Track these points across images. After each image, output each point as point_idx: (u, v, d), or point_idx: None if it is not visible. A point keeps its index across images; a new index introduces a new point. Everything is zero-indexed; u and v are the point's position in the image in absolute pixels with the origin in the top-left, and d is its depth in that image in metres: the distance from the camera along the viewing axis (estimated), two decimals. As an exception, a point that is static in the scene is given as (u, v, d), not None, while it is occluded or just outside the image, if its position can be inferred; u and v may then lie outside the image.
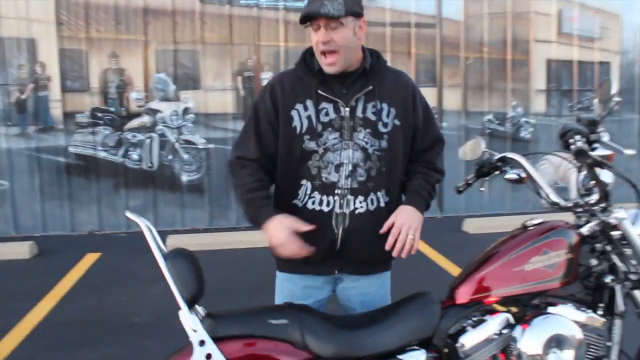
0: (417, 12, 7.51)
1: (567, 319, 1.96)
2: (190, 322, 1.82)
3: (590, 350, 2.02)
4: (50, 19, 6.75)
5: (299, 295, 2.14)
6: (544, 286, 2.02)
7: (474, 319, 2.01)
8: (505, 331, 1.98)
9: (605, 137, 2.13)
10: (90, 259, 5.73)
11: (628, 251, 2.15)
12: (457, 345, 1.95)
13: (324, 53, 2.00)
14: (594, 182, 2.12)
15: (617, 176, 2.08)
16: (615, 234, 2.13)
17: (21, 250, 5.91)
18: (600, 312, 2.10)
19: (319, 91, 2.06)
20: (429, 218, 7.75)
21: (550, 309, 2.02)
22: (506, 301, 2.05)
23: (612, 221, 2.11)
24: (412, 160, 2.20)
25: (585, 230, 2.15)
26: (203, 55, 7.11)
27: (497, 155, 2.41)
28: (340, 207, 2.05)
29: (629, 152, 2.11)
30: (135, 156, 7.02)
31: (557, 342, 1.91)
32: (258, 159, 2.10)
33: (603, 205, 2.14)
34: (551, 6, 7.89)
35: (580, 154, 2.01)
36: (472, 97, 7.77)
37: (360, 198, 2.06)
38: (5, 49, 6.72)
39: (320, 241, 2.05)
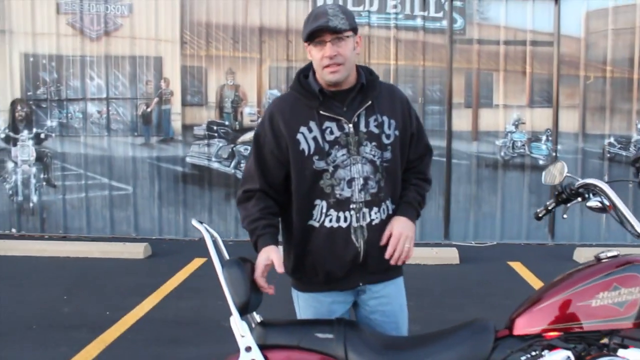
0: (533, 30, 7.21)
1: (633, 363, 1.80)
2: (240, 328, 1.90)
3: (663, 400, 1.84)
4: (176, 38, 7.32)
5: (324, 312, 2.17)
6: (611, 325, 1.87)
7: (532, 353, 1.91)
8: (565, 369, 1.86)
9: None
10: (197, 263, 6.09)
11: None
12: (510, 378, 1.86)
13: (327, 66, 2.04)
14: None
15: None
16: None
17: (136, 251, 6.42)
18: (680, 359, 1.90)
19: (321, 111, 2.11)
20: (538, 245, 7.37)
21: (620, 352, 1.87)
22: (570, 337, 1.93)
23: (701, 259, 1.92)
24: (405, 170, 2.26)
25: (669, 267, 1.97)
26: (313, 73, 7.31)
27: (580, 182, 2.28)
28: (357, 220, 2.11)
29: None
30: (245, 168, 7.35)
31: (618, 386, 1.76)
32: (261, 188, 2.14)
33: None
34: (688, 20, 7.23)
35: None
36: (591, 119, 7.30)
37: (375, 209, 2.13)
38: (137, 66, 7.37)
39: (342, 257, 2.11)
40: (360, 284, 2.18)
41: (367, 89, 2.14)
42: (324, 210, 2.11)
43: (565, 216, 2.45)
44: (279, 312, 2.15)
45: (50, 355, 3.87)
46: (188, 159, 7.37)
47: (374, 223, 2.11)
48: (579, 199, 2.30)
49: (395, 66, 7.18)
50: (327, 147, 2.08)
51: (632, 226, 2.11)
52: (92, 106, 7.41)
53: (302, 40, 2.13)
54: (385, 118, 2.14)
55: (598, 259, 2.03)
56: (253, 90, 7.34)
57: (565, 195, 2.31)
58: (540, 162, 7.19)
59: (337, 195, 2.09)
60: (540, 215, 2.43)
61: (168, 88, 7.37)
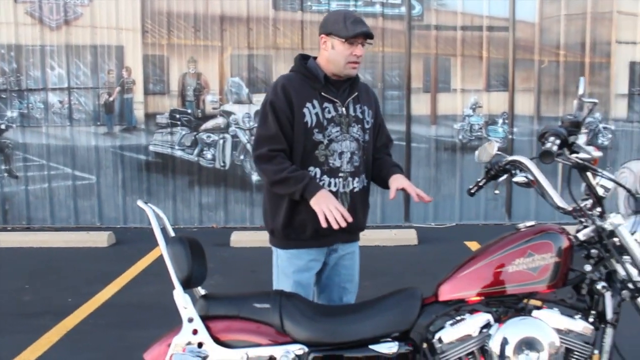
0: (489, 15, 7.39)
1: (544, 323, 1.96)
2: (183, 300, 2.02)
3: (574, 356, 2.01)
4: (137, 27, 7.31)
5: (304, 268, 2.50)
6: (526, 289, 2.03)
7: (457, 317, 2.06)
8: (485, 331, 2.02)
9: (581, 140, 2.10)
10: (160, 250, 6.14)
11: (627, 258, 2.10)
12: (434, 340, 2.01)
13: (353, 62, 2.46)
14: (586, 186, 2.10)
15: (600, 178, 2.05)
16: (614, 240, 2.09)
17: (100, 239, 6.46)
18: (591, 319, 2.07)
19: (322, 93, 2.50)
20: (495, 225, 7.57)
21: (534, 313, 2.03)
22: (490, 302, 2.08)
23: (608, 227, 2.08)
24: (375, 155, 2.65)
25: (581, 235, 2.14)
26: (275, 60, 7.39)
27: (507, 159, 2.42)
28: (343, 187, 2.51)
29: (596, 154, 2.07)
30: (209, 156, 7.42)
31: (529, 344, 1.92)
32: (284, 149, 2.44)
33: (599, 210, 2.12)
34: (637, 5, 7.47)
35: (545, 155, 2.01)
36: (545, 102, 7.52)
37: (357, 179, 2.54)
38: (98, 55, 7.35)
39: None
40: (334, 244, 2.54)
41: (354, 84, 2.58)
42: (318, 176, 2.46)
43: (497, 191, 2.60)
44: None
45: (10, 341, 3.92)
46: (151, 148, 7.40)
47: (355, 190, 2.53)
48: (507, 175, 2.45)
49: (355, 52, 7.29)
50: (325, 123, 2.47)
51: (552, 199, 2.25)
52: (54, 96, 7.37)
53: (320, 32, 2.51)
54: (365, 107, 2.59)
55: (517, 229, 2.18)
56: (215, 78, 7.38)
57: (493, 171, 2.44)
58: (498, 144, 7.39)
59: (330, 164, 2.48)
60: (472, 191, 2.55)
61: (130, 77, 7.37)
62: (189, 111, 7.40)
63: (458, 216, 7.48)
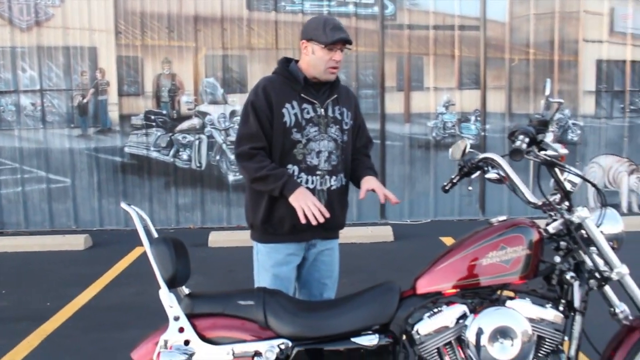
0: (461, 15, 7.53)
1: (517, 312, 2.05)
2: (168, 299, 2.06)
3: (545, 344, 2.10)
4: (110, 28, 7.27)
5: (283, 261, 2.59)
6: (500, 280, 2.12)
7: (434, 309, 2.14)
8: (461, 321, 2.10)
9: (549, 138, 2.20)
10: (138, 251, 6.14)
11: (593, 249, 2.20)
12: (413, 332, 2.09)
13: (333, 67, 2.57)
14: (555, 181, 2.19)
15: (567, 174, 2.15)
16: (582, 232, 2.19)
17: (77, 242, 6.42)
18: (561, 308, 2.17)
19: (302, 94, 2.60)
20: (470, 220, 7.70)
21: (507, 303, 2.12)
22: (466, 294, 2.17)
23: (575, 220, 2.18)
24: (354, 155, 2.75)
25: (550, 228, 2.23)
26: (250, 60, 7.42)
27: (479, 156, 2.51)
28: (321, 184, 2.60)
29: (563, 151, 2.17)
30: (185, 156, 7.42)
31: (503, 333, 2.01)
32: (264, 147, 2.55)
33: (567, 204, 2.22)
34: (603, 5, 7.69)
35: (514, 153, 2.10)
36: (516, 99, 7.70)
37: (334, 178, 2.63)
38: (71, 56, 7.29)
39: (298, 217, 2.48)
40: (312, 240, 2.63)
41: (333, 86, 2.68)
42: (296, 173, 2.56)
43: (470, 188, 2.68)
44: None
45: (-10, 346, 3.90)
46: (126, 149, 7.37)
47: (332, 188, 2.62)
48: (480, 172, 2.54)
49: (329, 52, 7.36)
50: (304, 123, 2.57)
51: (523, 194, 2.35)
52: (26, 98, 7.29)
53: (301, 37, 2.61)
54: (344, 109, 2.68)
55: (490, 224, 2.27)
56: (189, 78, 7.39)
57: (466, 168, 2.52)
58: (470, 142, 7.54)
59: (308, 162, 2.57)
60: (446, 188, 2.63)
61: (104, 78, 7.32)
62: (164, 112, 7.38)
63: (433, 212, 7.61)
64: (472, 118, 7.65)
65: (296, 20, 7.36)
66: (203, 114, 7.42)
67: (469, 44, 7.59)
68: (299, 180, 2.55)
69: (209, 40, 7.37)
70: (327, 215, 2.42)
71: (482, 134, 7.63)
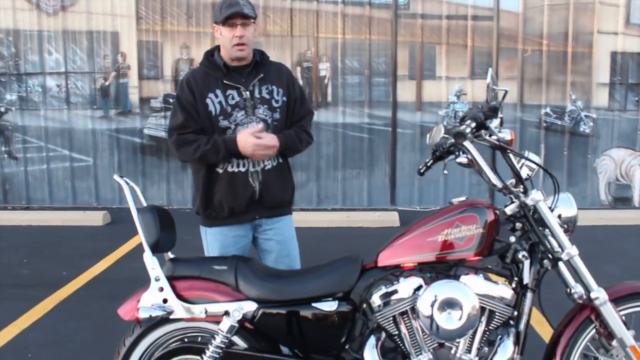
0: (474, 5, 7.59)
1: (467, 287, 2.22)
2: (151, 262, 2.29)
3: (496, 317, 2.27)
4: (131, 13, 7.54)
5: (229, 243, 2.71)
6: (454, 256, 2.29)
7: (393, 281, 2.33)
8: (417, 293, 2.28)
9: (493, 124, 2.35)
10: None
11: (548, 231, 2.36)
12: (372, 301, 2.28)
13: (238, 45, 2.60)
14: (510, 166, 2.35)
15: (518, 158, 2.30)
16: (536, 215, 2.35)
17: (96, 218, 6.76)
18: (514, 284, 2.33)
19: (225, 81, 2.68)
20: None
21: (461, 278, 2.29)
22: (423, 268, 2.35)
23: (530, 202, 2.34)
24: (291, 127, 2.83)
25: (507, 210, 2.40)
26: (265, 47, 7.58)
27: (451, 141, 2.67)
28: (254, 166, 2.69)
29: (508, 136, 2.32)
30: (201, 139, 7.68)
31: (451, 304, 2.18)
32: (194, 129, 2.63)
33: (522, 187, 2.37)
34: (620, -4, 7.67)
35: (457, 136, 2.26)
36: (528, 90, 7.74)
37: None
38: (94, 41, 7.59)
39: (242, 195, 2.69)
40: (257, 217, 2.74)
41: (259, 65, 2.74)
42: (228, 158, 2.63)
43: (445, 172, 2.85)
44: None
45: (8, 308, 4.22)
46: (146, 131, 7.66)
47: (266, 168, 2.71)
48: (452, 156, 2.70)
49: (342, 40, 7.52)
50: (229, 109, 2.65)
51: (488, 177, 2.50)
52: (51, 80, 7.63)
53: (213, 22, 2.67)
54: (274, 87, 2.73)
55: (450, 203, 2.45)
56: (207, 64, 7.62)
57: (438, 153, 2.69)
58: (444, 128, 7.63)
59: None
60: (422, 171, 2.80)
61: (125, 62, 7.61)
62: (182, 96, 7.63)
63: (442, 199, 7.72)
64: (483, 108, 7.71)
65: (311, 8, 7.52)
66: (219, 99, 7.65)
67: (481, 34, 7.66)
68: (229, 165, 2.65)
69: (227, 27, 7.58)
70: (275, 143, 2.58)
71: (493, 123, 7.70)
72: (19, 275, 5.00)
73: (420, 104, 7.70)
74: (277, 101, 2.73)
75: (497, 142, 2.30)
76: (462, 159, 2.61)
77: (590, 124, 7.79)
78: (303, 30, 7.54)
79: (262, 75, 2.72)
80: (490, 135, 2.34)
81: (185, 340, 2.40)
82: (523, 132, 7.76)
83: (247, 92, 2.67)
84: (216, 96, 2.65)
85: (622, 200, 7.80)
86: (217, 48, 2.76)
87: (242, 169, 2.67)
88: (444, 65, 7.68)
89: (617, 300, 2.36)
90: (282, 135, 2.70)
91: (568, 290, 2.36)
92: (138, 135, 7.67)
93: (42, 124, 7.67)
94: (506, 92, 2.42)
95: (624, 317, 2.36)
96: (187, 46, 7.59)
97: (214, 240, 2.75)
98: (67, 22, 7.51)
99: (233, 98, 2.66)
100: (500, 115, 2.37)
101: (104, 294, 4.56)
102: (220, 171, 2.69)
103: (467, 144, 2.52)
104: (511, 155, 2.35)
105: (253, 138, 2.56)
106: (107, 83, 7.63)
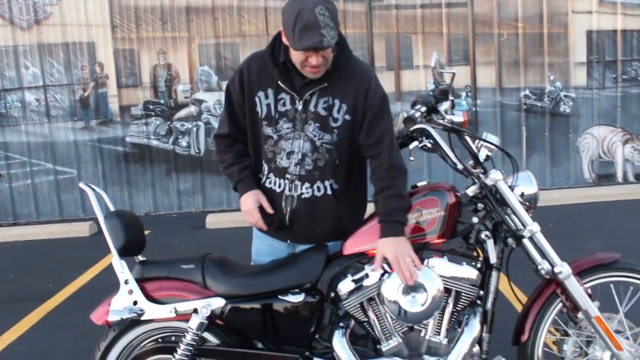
0: (447, -8, 7.62)
1: (430, 270, 2.23)
2: (119, 265, 2.31)
3: (462, 298, 2.29)
4: (106, 22, 7.54)
5: (264, 251, 2.50)
6: (418, 239, 2.31)
7: (360, 269, 2.34)
8: (382, 278, 2.30)
9: (443, 107, 2.37)
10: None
11: (509, 210, 2.38)
12: (338, 289, 2.30)
13: (312, 67, 2.15)
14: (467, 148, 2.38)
15: (474, 139, 2.33)
16: (497, 195, 2.37)
17: (82, 229, 6.77)
18: (479, 265, 2.35)
19: (279, 82, 2.25)
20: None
21: (425, 261, 2.31)
22: (389, 253, 2.36)
23: (489, 182, 2.36)
24: (368, 157, 2.38)
25: (469, 191, 2.42)
26: (242, 47, 7.63)
27: (413, 127, 2.68)
28: (289, 190, 2.31)
29: (458, 118, 2.35)
30: (184, 143, 7.70)
31: (414, 288, 2.20)
32: (230, 133, 2.39)
33: (481, 169, 2.39)
34: (592, -25, 7.71)
35: (407, 121, 2.28)
36: (506, 74, 7.78)
37: (307, 185, 2.31)
38: (70, 52, 7.59)
39: (272, 216, 2.38)
40: (288, 241, 2.44)
41: (328, 72, 2.22)
42: (266, 172, 2.37)
43: (411, 158, 2.87)
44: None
45: (-7, 324, 4.23)
46: (128, 139, 7.66)
47: (303, 196, 2.31)
48: (416, 142, 2.71)
49: (318, 36, 7.53)
50: (277, 116, 2.26)
51: (450, 160, 2.51)
52: (30, 94, 7.62)
53: (280, 27, 2.20)
54: (336, 101, 2.24)
55: (413, 187, 2.47)
56: (185, 68, 7.63)
57: (401, 139, 2.72)
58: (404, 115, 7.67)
59: (277, 163, 2.30)
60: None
61: (103, 72, 7.61)
62: (162, 101, 7.65)
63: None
64: (463, 94, 7.76)
65: (281, 5, 7.51)
66: (199, 102, 7.67)
67: (457, 20, 7.69)
68: (268, 180, 2.35)
69: (202, 30, 7.60)
70: (264, 228, 2.36)
71: (474, 109, 7.74)
72: (5, 291, 5.00)
73: (400, 94, 7.73)
74: (335, 120, 2.25)
75: (450, 125, 2.32)
76: (426, 143, 2.63)
77: (570, 104, 7.83)
78: (279, 29, 7.52)
79: (325, 84, 2.23)
80: (442, 119, 2.36)
81: (159, 340, 2.42)
82: (504, 116, 7.80)
83: (301, 103, 2.24)
84: (266, 96, 2.27)
85: (605, 177, 7.85)
86: None
87: (277, 189, 2.33)
88: (421, 54, 7.71)
89: (581, 273, 2.39)
90: (391, 227, 2.22)
91: (535, 266, 2.38)
92: (120, 144, 7.68)
93: (23, 139, 7.66)
94: (454, 74, 2.44)
95: (589, 290, 2.39)
96: (164, 52, 7.59)
97: (255, 242, 2.56)
98: (42, 36, 7.51)
99: (284, 104, 2.26)
100: (450, 97, 2.39)
101: (90, 303, 4.48)
102: (263, 179, 2.40)
103: (429, 128, 2.54)
104: (467, 137, 2.37)
105: (252, 207, 2.34)
106: (86, 94, 7.62)
